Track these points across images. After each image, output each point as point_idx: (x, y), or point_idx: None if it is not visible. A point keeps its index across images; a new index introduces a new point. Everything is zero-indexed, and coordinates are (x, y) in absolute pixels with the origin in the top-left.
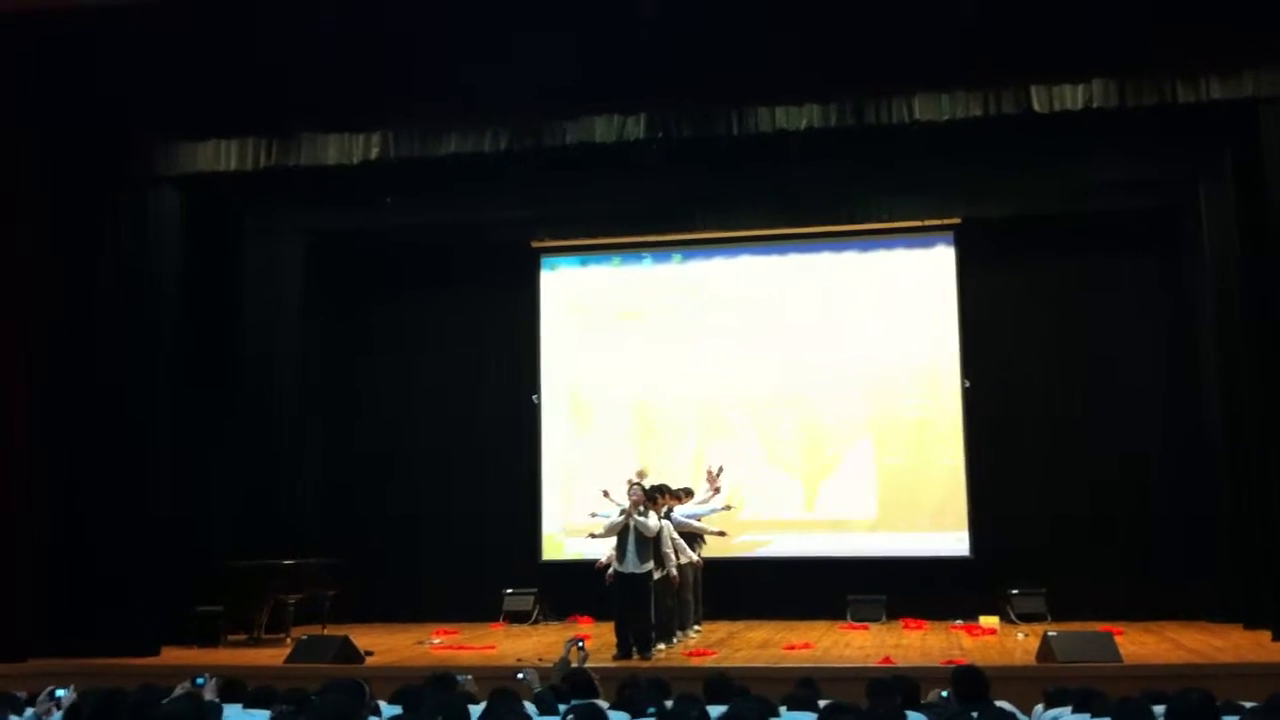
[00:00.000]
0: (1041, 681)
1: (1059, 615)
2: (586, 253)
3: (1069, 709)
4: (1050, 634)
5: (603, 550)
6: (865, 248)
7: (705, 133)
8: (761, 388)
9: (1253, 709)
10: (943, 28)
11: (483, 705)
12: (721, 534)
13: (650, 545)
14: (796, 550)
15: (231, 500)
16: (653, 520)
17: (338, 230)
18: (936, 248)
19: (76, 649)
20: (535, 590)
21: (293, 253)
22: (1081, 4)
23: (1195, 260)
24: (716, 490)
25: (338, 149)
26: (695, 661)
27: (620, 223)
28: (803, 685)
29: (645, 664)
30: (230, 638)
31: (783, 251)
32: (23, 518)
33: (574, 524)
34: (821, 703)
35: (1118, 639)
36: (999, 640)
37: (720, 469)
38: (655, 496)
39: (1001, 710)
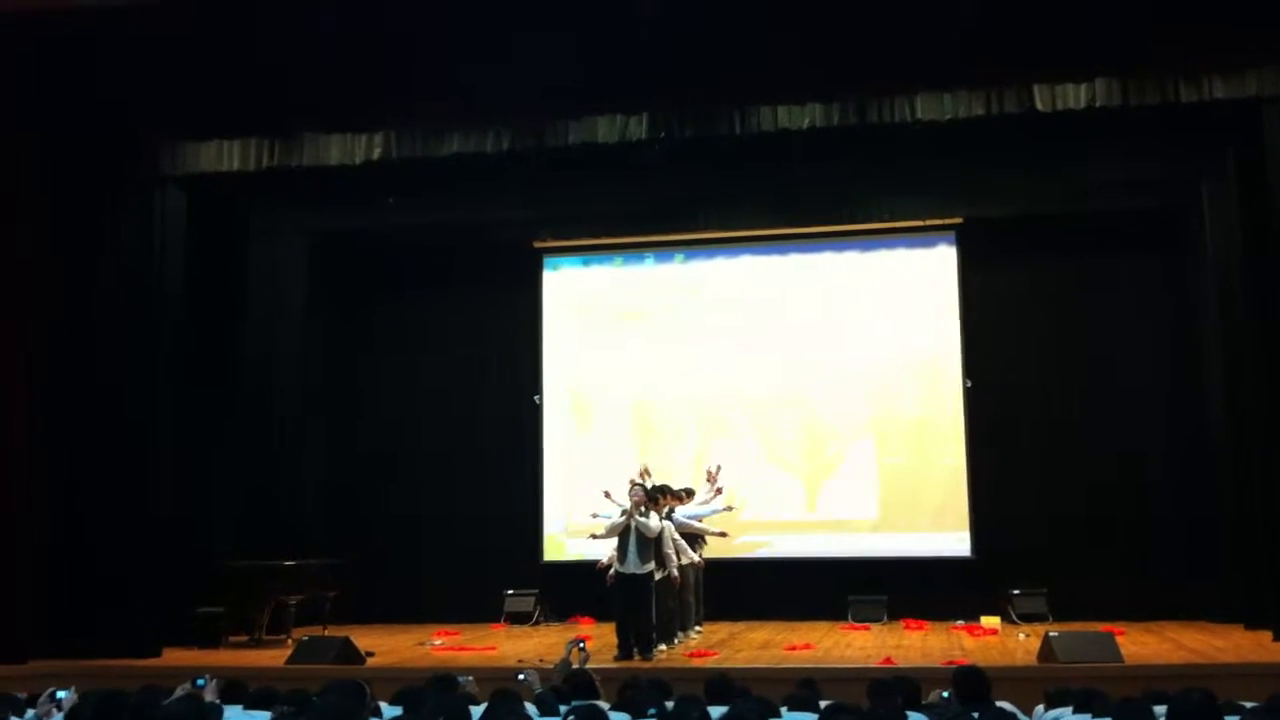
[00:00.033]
0: (1043, 682)
1: (1060, 615)
2: (588, 253)
3: (1070, 709)
4: (1051, 634)
5: (604, 551)
6: (867, 247)
7: (707, 132)
8: (763, 388)
9: (1254, 709)
10: (945, 27)
11: (484, 706)
12: (723, 535)
13: (651, 546)
14: (797, 551)
15: (232, 500)
16: (654, 521)
17: (340, 230)
18: (938, 247)
19: (77, 650)
20: (536, 591)
21: (295, 253)
22: (1083, 3)
23: (1197, 260)
24: (718, 491)
25: (340, 149)
26: (696, 662)
27: (622, 223)
28: (803, 686)
29: (646, 665)
30: (231, 639)
31: (784, 251)
32: (23, 518)
33: (575, 524)
34: (822, 703)
35: (1119, 639)
36: (1000, 641)
37: (719, 467)
38: (657, 497)
39: (1003, 711)
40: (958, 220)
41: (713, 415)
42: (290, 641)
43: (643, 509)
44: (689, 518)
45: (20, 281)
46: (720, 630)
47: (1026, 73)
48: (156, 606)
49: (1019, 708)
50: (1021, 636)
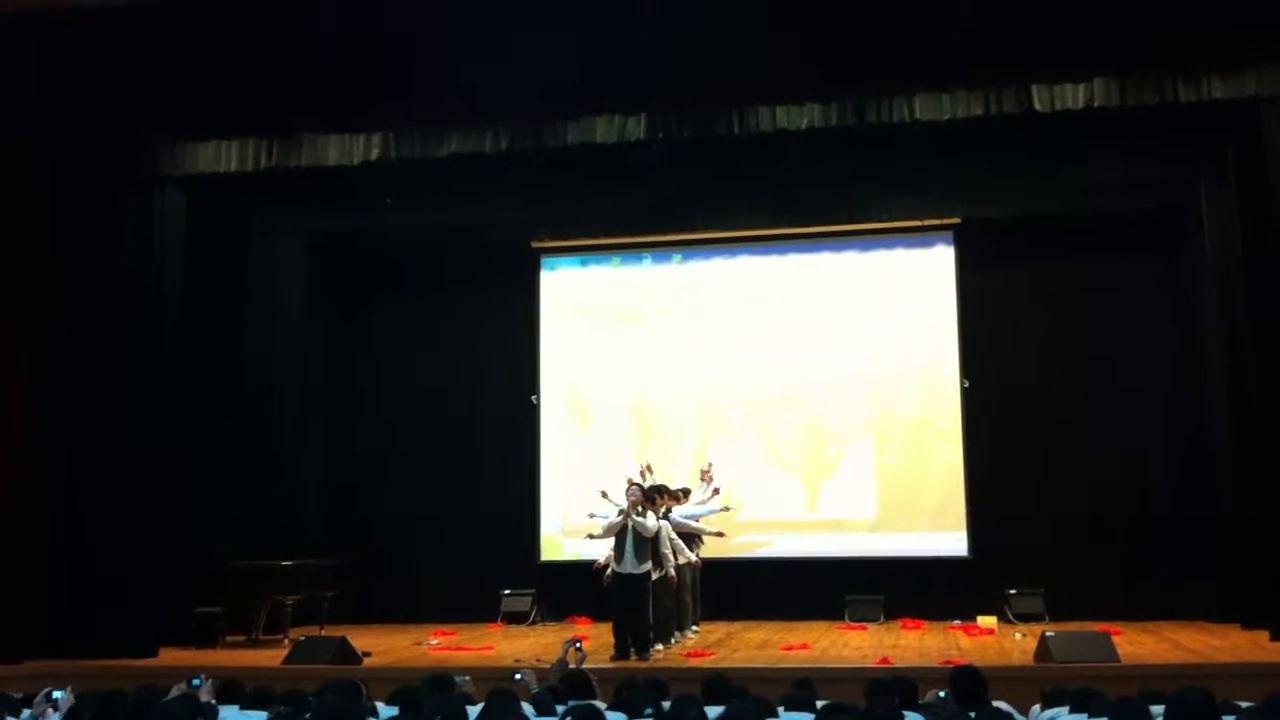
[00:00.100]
0: (1039, 682)
1: (1057, 615)
2: (586, 253)
3: (1066, 709)
4: (1048, 634)
5: (601, 551)
6: (865, 248)
7: (705, 133)
8: (761, 388)
9: (1250, 709)
10: (943, 27)
11: (480, 706)
12: (720, 535)
13: (649, 546)
14: (795, 550)
15: (231, 500)
16: (651, 521)
17: (338, 231)
18: (936, 248)
19: (75, 649)
20: (533, 591)
21: (294, 253)
22: (1082, 3)
23: (1196, 260)
24: (715, 491)
25: (338, 150)
26: (693, 662)
27: (620, 223)
28: (799, 686)
29: (643, 665)
30: (228, 639)
31: (783, 251)
32: (23, 518)
33: (572, 524)
34: (819, 703)
35: (1115, 639)
36: (997, 640)
37: (710, 465)
38: (654, 497)
39: (999, 710)
40: (956, 220)
41: (711, 416)
42: (287, 641)
43: (640, 509)
44: (686, 517)
45: (20, 281)
46: (717, 630)
47: (1025, 73)
48: (154, 606)
49: (1016, 707)
50: (1018, 636)
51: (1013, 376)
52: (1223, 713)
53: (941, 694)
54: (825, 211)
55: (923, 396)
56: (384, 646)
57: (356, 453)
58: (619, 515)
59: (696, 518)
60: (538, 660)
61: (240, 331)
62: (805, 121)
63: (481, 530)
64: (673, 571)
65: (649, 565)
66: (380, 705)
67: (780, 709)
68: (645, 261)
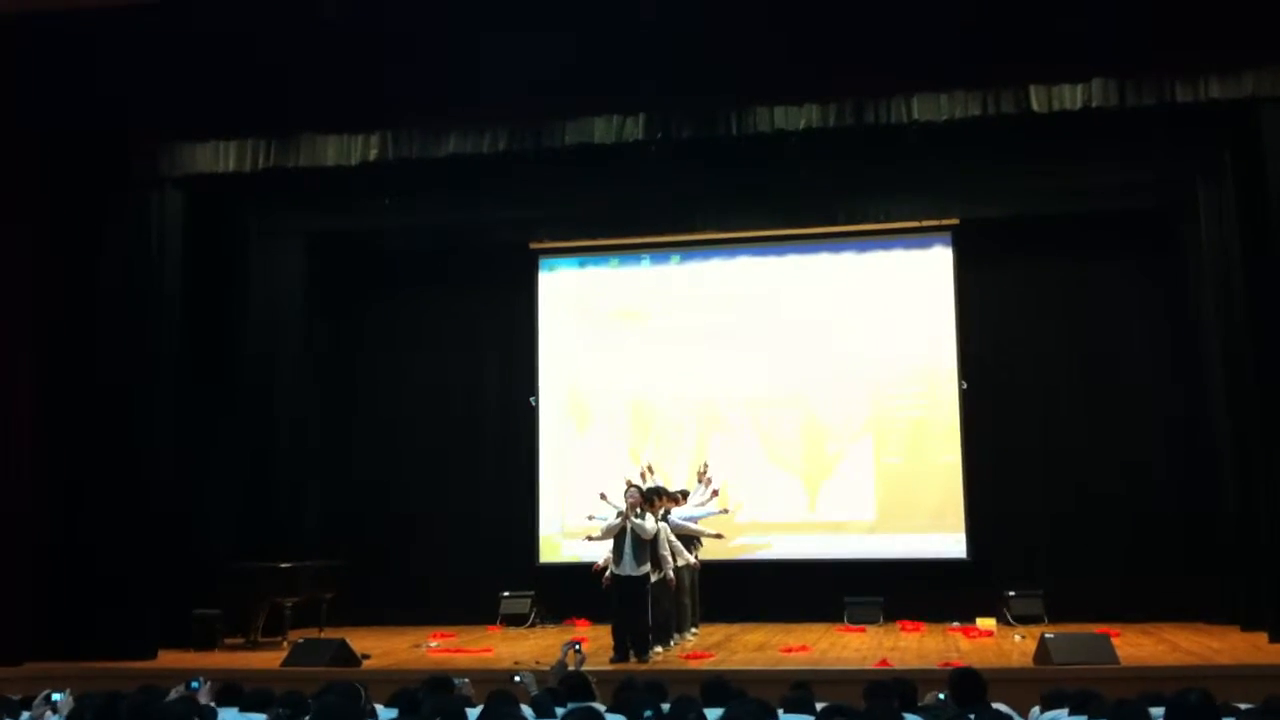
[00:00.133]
0: (1039, 683)
1: (1056, 617)
2: (585, 254)
3: (1066, 711)
4: (1047, 636)
5: (600, 553)
6: (864, 248)
7: (704, 133)
8: (759, 389)
9: (1249, 711)
10: (941, 28)
11: (480, 708)
12: (719, 536)
13: (648, 548)
14: (794, 552)
15: (231, 500)
16: (650, 523)
17: (337, 231)
18: (935, 248)
19: (74, 651)
20: (532, 593)
21: (293, 253)
22: (1081, 4)
23: (1195, 260)
24: (715, 493)
25: (337, 150)
26: (692, 664)
27: (619, 224)
28: (797, 689)
29: (642, 667)
30: (227, 641)
31: (781, 252)
32: (23, 518)
33: (571, 526)
34: (819, 705)
35: (1115, 641)
36: (996, 642)
37: (706, 466)
38: (652, 499)
39: (999, 712)
40: (955, 221)
41: (709, 417)
42: (286, 643)
43: (638, 511)
44: (685, 520)
45: (20, 281)
46: (716, 632)
47: (1023, 73)
48: (154, 608)
49: (1015, 709)
50: (1017, 638)
51: (1011, 377)
52: (1222, 714)
53: (941, 696)
54: (824, 212)
55: (921, 397)
56: (383, 648)
57: (355, 453)
58: (618, 517)
59: (695, 520)
60: (537, 662)
61: (240, 331)
62: (804, 122)
63: (480, 532)
64: (671, 573)
65: (648, 567)
66: (379, 707)
67: (780, 711)
68: (644, 262)
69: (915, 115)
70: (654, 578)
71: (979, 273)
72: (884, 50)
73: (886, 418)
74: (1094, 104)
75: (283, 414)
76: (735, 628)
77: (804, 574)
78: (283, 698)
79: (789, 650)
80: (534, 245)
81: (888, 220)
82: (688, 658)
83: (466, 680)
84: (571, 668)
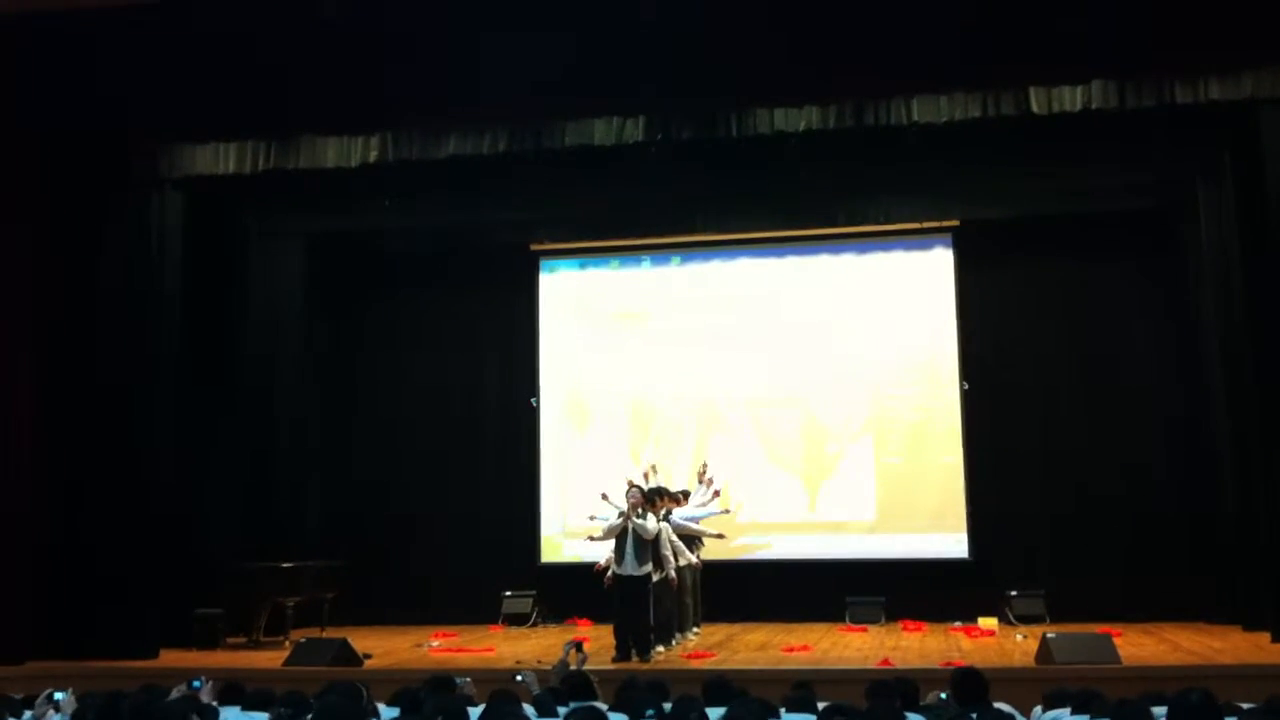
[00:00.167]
0: (1040, 683)
1: (1058, 617)
2: (585, 255)
3: (1068, 710)
4: (1049, 635)
5: (602, 553)
6: (864, 249)
7: (704, 135)
8: (760, 390)
9: (1251, 710)
10: (941, 29)
11: (481, 707)
12: (720, 536)
13: (649, 548)
14: (795, 552)
15: (231, 500)
16: (651, 522)
17: (337, 232)
18: (935, 249)
19: (76, 650)
20: (534, 592)
21: (292, 254)
22: (1080, 5)
23: (1194, 261)
24: (716, 494)
25: (337, 151)
26: (694, 664)
27: (619, 225)
28: (798, 689)
29: (644, 666)
30: (229, 640)
31: (781, 253)
32: (23, 518)
33: (573, 526)
34: (820, 705)
35: (1116, 640)
36: (998, 642)
37: (705, 465)
38: (654, 499)
39: (1000, 712)
40: (954, 222)
41: (710, 417)
42: (288, 643)
43: (640, 511)
44: (686, 520)
45: (20, 281)
46: (718, 631)
47: (1023, 75)
48: (155, 607)
49: (1017, 709)
50: (1019, 638)
51: (1012, 377)
52: (1224, 714)
53: (943, 695)
54: (824, 213)
55: (922, 398)
56: (385, 648)
57: (356, 454)
58: (619, 517)
59: (696, 520)
60: (539, 662)
61: (240, 331)
62: (804, 123)
63: (482, 532)
64: (673, 573)
65: (649, 567)
66: (381, 707)
67: (782, 710)
68: (644, 263)
69: (915, 117)
70: (656, 577)
71: (979, 273)
72: (884, 51)
73: (887, 418)
74: (1094, 105)
75: (283, 414)
76: (737, 627)
77: (805, 574)
78: (284, 697)
79: (790, 650)
80: (534, 246)
81: (888, 221)
82: (689, 657)
83: (468, 680)
84: (573, 667)
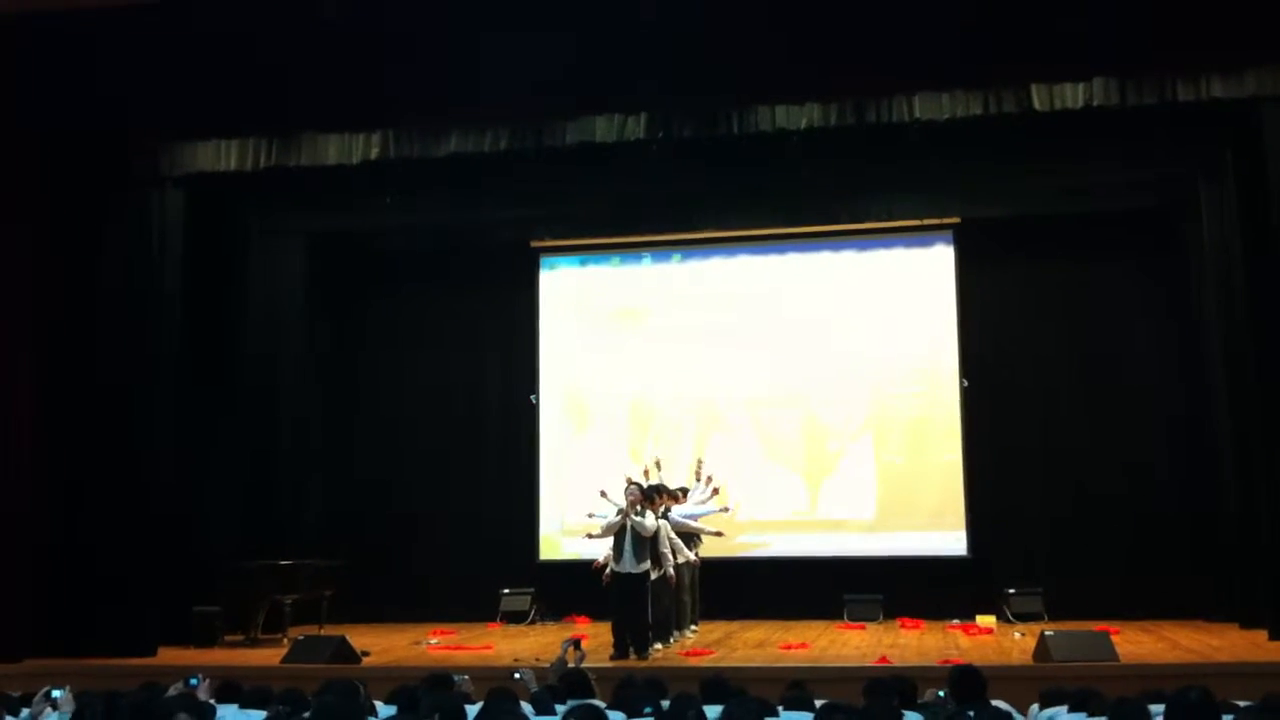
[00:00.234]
0: (1038, 681)
1: (1056, 615)
2: (586, 252)
3: (1065, 708)
4: (1047, 633)
5: (600, 550)
6: (865, 247)
7: (705, 132)
8: (760, 388)
9: (1248, 708)
10: (943, 27)
11: (479, 705)
12: (719, 534)
13: (647, 545)
14: (794, 550)
15: (231, 500)
16: (650, 520)
17: (338, 230)
18: (936, 247)
19: (74, 648)
20: (532, 590)
21: (293, 252)
22: (1081, 3)
23: (1196, 259)
24: (715, 491)
25: (338, 149)
26: (692, 661)
27: (620, 222)
28: (793, 688)
29: (642, 664)
30: (227, 638)
31: (782, 251)
32: (23, 517)
33: (571, 524)
34: (818, 703)
35: (1114, 638)
36: (996, 640)
37: (700, 462)
38: (652, 496)
39: (998, 710)
40: (956, 220)
41: (710, 415)
42: (286, 641)
43: (638, 508)
44: (685, 517)
45: (21, 281)
46: (716, 629)
47: (1024, 72)
48: (154, 605)
49: (1015, 707)
50: (1017, 635)
51: (1012, 376)
52: (1221, 712)
53: (941, 693)
54: (825, 211)
55: (922, 396)
56: (383, 646)
57: (355, 452)
58: (618, 515)
59: (695, 517)
60: (537, 659)
61: (240, 331)
62: (805, 121)
63: (481, 529)
64: (671, 571)
65: (648, 564)
66: (379, 704)
67: (780, 709)
68: (645, 261)
69: (916, 114)
70: (654, 575)
71: (980, 272)
72: (885, 49)
73: (887, 416)
74: (1095, 103)
75: (284, 413)
76: (735, 625)
77: (804, 571)
78: (282, 695)
79: (788, 648)
80: (535, 244)
81: (889, 219)
82: (687, 655)
83: (466, 677)
84: (571, 665)
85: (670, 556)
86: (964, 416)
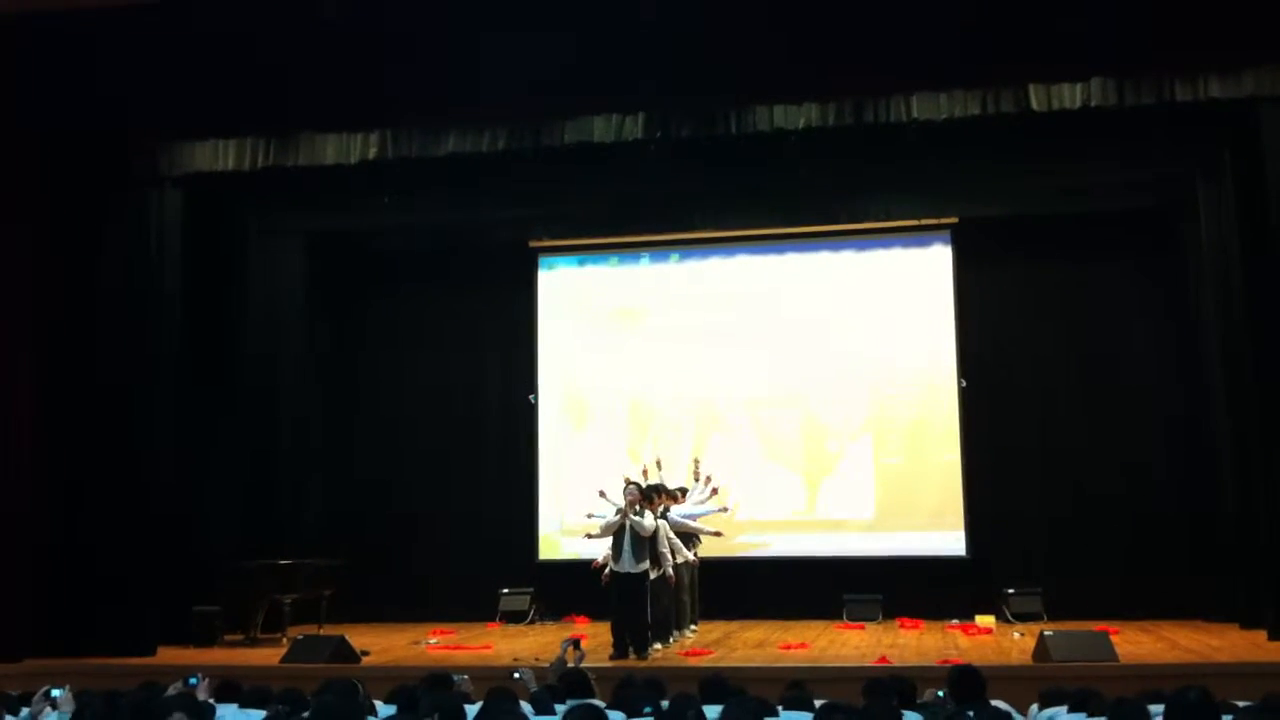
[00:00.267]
0: (1038, 681)
1: (1055, 615)
2: (584, 252)
3: (1065, 709)
4: (1046, 633)
5: (599, 550)
6: (862, 247)
7: (703, 132)
8: (759, 388)
9: (1247, 708)
10: (941, 27)
11: (479, 705)
12: (718, 534)
13: (646, 545)
14: (793, 550)
15: (231, 500)
16: (649, 520)
17: (337, 230)
18: (934, 247)
19: (74, 648)
20: (532, 590)
21: (292, 252)
22: (1080, 3)
23: (1194, 259)
24: (714, 491)
25: (336, 149)
26: (692, 661)
27: (618, 222)
28: (792, 688)
29: (642, 664)
30: (227, 637)
31: (781, 251)
32: (23, 517)
33: (570, 524)
34: (817, 702)
35: (1114, 639)
36: (995, 640)
37: (696, 461)
38: (652, 496)
39: (998, 710)
40: (954, 220)
41: (708, 415)
42: (285, 640)
43: (637, 508)
44: (684, 517)
45: (20, 281)
46: (715, 629)
47: (1022, 73)
48: (153, 605)
49: (1014, 707)
50: (1016, 636)
51: (1010, 376)
52: (1221, 712)
53: (940, 693)
54: (823, 211)
55: (921, 396)
56: (382, 645)
57: (355, 452)
58: (617, 514)
59: (694, 517)
60: (536, 659)
61: (240, 331)
62: (803, 121)
63: (480, 529)
64: (671, 571)
65: (647, 564)
66: (378, 704)
67: (779, 709)
68: (643, 261)
69: (915, 114)
70: (653, 575)
71: (978, 272)
72: (883, 49)
73: (886, 416)
74: (1093, 103)
75: (284, 413)
76: (734, 625)
77: (803, 571)
78: (281, 694)
79: (788, 647)
80: (533, 244)
81: (887, 219)
82: (687, 655)
83: (466, 677)
84: (571, 664)
85: (669, 556)
86: (962, 417)
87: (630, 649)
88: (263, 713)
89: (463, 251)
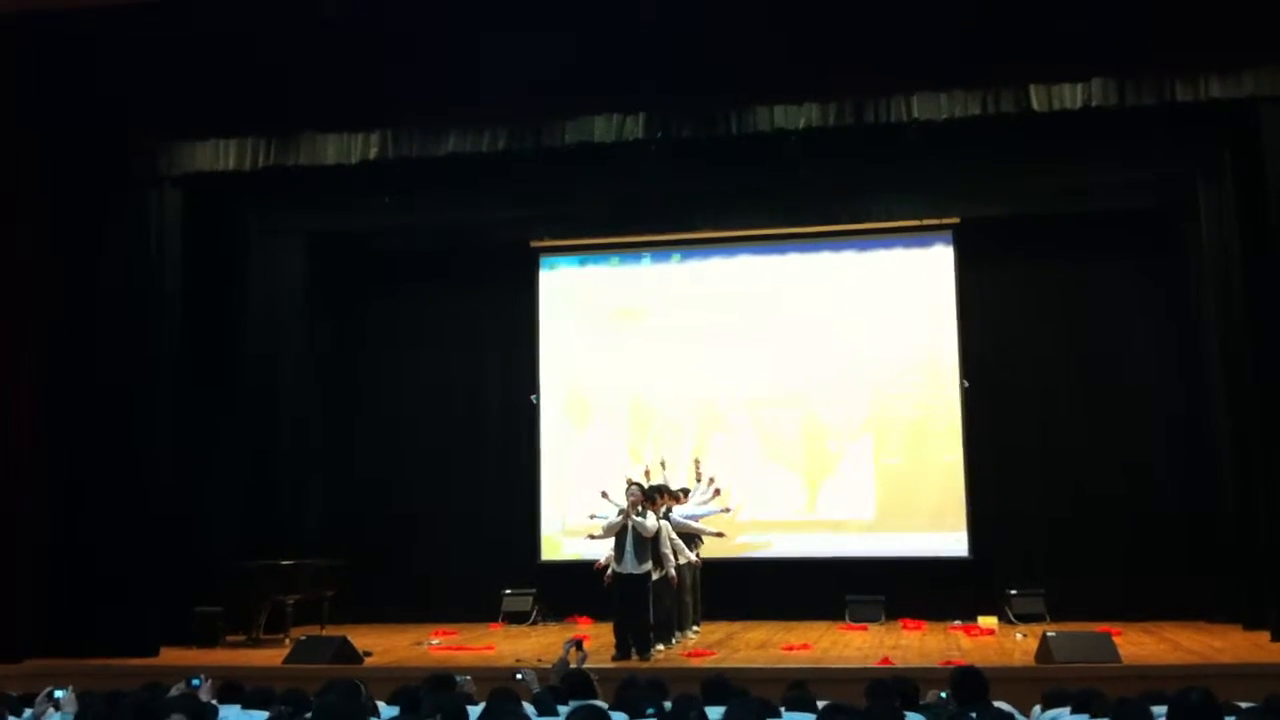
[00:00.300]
0: (1040, 682)
1: (1058, 616)
2: (585, 252)
3: (1068, 710)
4: (1049, 634)
5: (601, 551)
6: (864, 247)
7: (704, 132)
8: (760, 388)
9: (1250, 709)
10: (941, 27)
11: (481, 706)
12: (720, 535)
13: (649, 546)
14: (795, 551)
15: (231, 500)
16: (651, 521)
17: (337, 230)
18: (935, 247)
19: (76, 649)
20: (534, 591)
21: (293, 252)
22: (1080, 3)
23: (1194, 259)
24: (717, 492)
25: (337, 149)
26: (694, 662)
27: (619, 222)
28: (795, 689)
29: (644, 665)
30: (229, 638)
31: (781, 251)
32: (23, 517)
33: (573, 524)
34: (820, 703)
35: (1116, 639)
36: (997, 641)
37: (697, 462)
38: (654, 497)
39: (1000, 711)
40: (955, 220)
41: (710, 415)
42: (288, 641)
43: (640, 509)
44: (686, 518)
45: (20, 281)
46: (718, 630)
47: (1023, 73)
48: (155, 606)
49: (1017, 708)
50: (1019, 637)
51: (1012, 376)
52: (1224, 713)
53: (943, 694)
54: (824, 211)
55: (922, 396)
56: (385, 646)
57: (356, 452)
58: (619, 515)
59: (696, 518)
60: (539, 660)
61: (240, 331)
62: (804, 121)
63: (482, 530)
64: (673, 571)
65: (649, 565)
66: (381, 705)
67: (782, 710)
68: (644, 261)
69: (915, 114)
70: (655, 576)
71: (979, 272)
72: (884, 49)
73: (887, 416)
74: (1094, 103)
75: (284, 413)
76: (737, 626)
77: (805, 572)
78: (284, 695)
79: (790, 648)
80: (534, 244)
81: (888, 219)
82: (689, 656)
83: (468, 678)
84: (573, 665)
85: (672, 557)
86: (964, 417)
87: (633, 650)
88: (265, 714)
89: (463, 251)
